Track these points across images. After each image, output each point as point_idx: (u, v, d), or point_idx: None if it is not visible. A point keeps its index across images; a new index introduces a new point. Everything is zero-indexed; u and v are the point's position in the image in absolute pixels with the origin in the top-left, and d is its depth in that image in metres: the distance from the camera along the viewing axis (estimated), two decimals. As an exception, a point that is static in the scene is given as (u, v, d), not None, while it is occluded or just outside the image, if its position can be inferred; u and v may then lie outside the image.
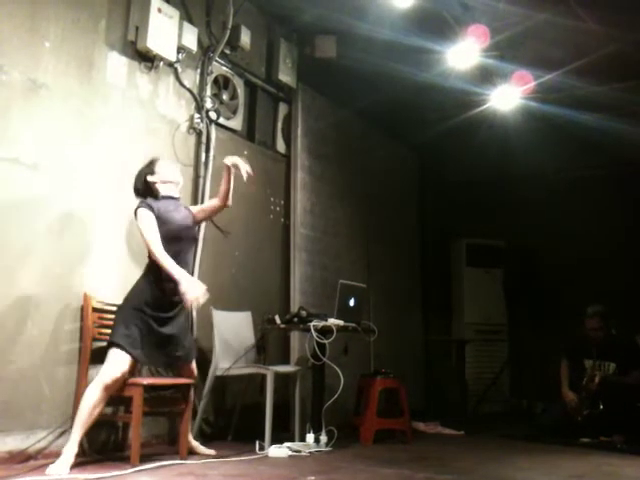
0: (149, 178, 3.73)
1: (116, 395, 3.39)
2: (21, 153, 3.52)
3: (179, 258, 3.58)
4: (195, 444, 3.85)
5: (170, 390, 3.68)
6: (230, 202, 3.97)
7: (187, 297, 3.43)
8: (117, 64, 4.12)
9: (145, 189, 3.74)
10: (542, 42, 5.17)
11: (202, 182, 4.65)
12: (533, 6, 4.68)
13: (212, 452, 3.83)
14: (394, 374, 4.94)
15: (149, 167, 3.78)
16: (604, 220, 6.74)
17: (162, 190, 3.74)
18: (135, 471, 3.15)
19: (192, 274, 3.76)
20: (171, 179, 3.78)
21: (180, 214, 3.73)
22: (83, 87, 3.89)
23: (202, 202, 4.61)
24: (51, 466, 3.12)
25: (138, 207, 3.62)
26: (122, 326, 3.46)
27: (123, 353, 3.40)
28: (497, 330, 7.43)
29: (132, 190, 3.78)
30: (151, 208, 3.59)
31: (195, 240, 3.85)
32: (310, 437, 4.12)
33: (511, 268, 7.32)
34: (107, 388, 3.33)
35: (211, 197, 4.65)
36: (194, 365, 3.82)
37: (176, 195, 3.79)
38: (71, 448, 3.23)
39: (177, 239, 3.62)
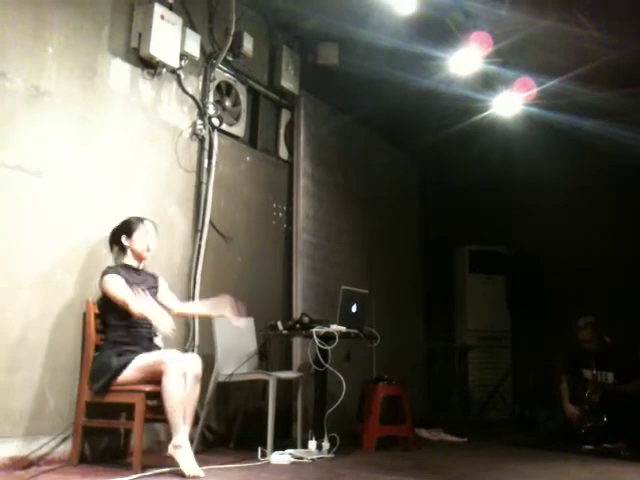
0: (124, 240, 3.76)
1: (118, 402, 3.38)
2: (24, 160, 3.52)
3: (136, 327, 3.61)
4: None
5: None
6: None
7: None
8: (120, 71, 4.13)
9: (118, 246, 3.80)
10: (544, 49, 5.17)
11: (205, 189, 4.65)
12: (535, 13, 4.69)
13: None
14: (397, 380, 4.93)
15: (127, 228, 3.76)
16: (607, 227, 6.72)
17: (129, 258, 3.77)
18: (137, 478, 3.15)
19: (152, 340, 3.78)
20: (140, 252, 3.77)
21: (145, 286, 3.70)
22: (86, 94, 3.90)
23: (204, 209, 4.60)
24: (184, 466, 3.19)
25: (105, 273, 3.61)
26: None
27: None
28: (500, 337, 7.41)
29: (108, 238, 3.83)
30: (118, 273, 3.63)
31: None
32: (312, 444, 4.11)
33: (514, 274, 7.31)
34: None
35: (213, 205, 4.66)
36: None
37: (140, 266, 3.79)
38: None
39: None
